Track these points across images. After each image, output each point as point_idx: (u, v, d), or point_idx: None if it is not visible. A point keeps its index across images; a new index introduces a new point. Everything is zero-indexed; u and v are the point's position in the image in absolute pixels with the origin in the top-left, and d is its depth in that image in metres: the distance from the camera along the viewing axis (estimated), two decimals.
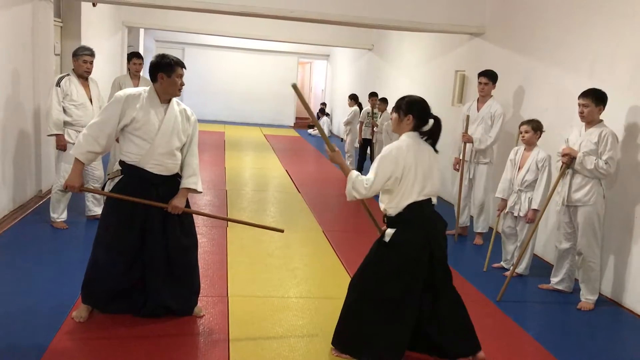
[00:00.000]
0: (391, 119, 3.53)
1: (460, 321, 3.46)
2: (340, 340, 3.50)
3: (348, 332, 3.47)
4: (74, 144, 5.48)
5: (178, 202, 3.64)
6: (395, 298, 3.34)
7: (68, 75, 5.61)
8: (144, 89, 3.66)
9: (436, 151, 3.45)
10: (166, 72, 3.57)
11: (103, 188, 3.79)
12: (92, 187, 5.81)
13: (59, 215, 5.62)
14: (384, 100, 9.98)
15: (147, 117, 3.54)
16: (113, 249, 3.61)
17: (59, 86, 5.49)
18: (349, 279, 4.79)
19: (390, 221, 3.37)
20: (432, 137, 3.43)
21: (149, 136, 3.55)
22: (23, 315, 3.70)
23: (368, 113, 10.10)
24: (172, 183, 3.68)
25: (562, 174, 4.66)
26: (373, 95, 10.22)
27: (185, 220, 3.74)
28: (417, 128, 3.39)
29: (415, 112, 3.37)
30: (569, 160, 4.57)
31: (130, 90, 3.63)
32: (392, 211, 3.35)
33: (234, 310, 4.01)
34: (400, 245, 3.32)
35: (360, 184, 3.30)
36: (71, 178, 3.58)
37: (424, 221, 3.37)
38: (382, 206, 3.45)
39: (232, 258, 5.11)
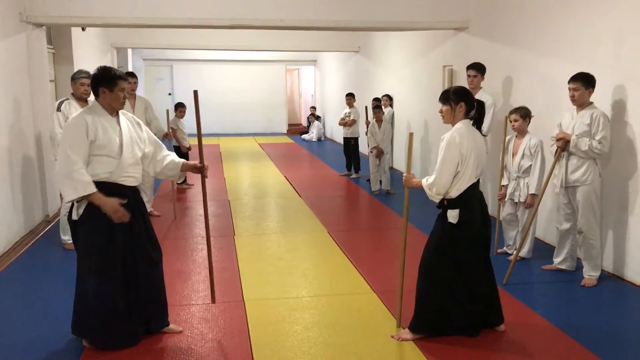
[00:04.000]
0: (440, 112, 3.70)
1: (496, 291, 3.84)
2: (421, 322, 3.71)
3: (428, 314, 3.69)
4: None
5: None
6: (473, 274, 3.66)
7: (67, 99, 5.72)
8: (85, 109, 3.60)
9: (483, 135, 3.70)
10: (108, 86, 3.50)
11: (70, 213, 3.53)
12: None
13: (70, 237, 5.71)
14: (379, 107, 9.15)
15: (106, 134, 3.46)
16: (103, 274, 3.45)
17: (60, 111, 5.59)
18: (357, 275, 4.97)
19: (452, 203, 3.59)
20: (478, 119, 3.69)
21: (113, 152, 3.47)
22: (42, 341, 3.69)
23: (345, 113, 10.60)
24: (137, 192, 3.67)
25: (557, 158, 4.81)
26: (349, 95, 10.73)
27: (152, 234, 3.72)
28: (467, 114, 3.62)
29: (465, 99, 3.61)
30: (564, 144, 4.72)
31: (78, 114, 3.55)
32: (454, 193, 3.57)
33: (251, 313, 4.14)
34: (467, 223, 3.58)
35: (437, 181, 3.53)
36: (112, 208, 3.39)
37: (479, 200, 3.68)
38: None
39: (243, 264, 5.24)
